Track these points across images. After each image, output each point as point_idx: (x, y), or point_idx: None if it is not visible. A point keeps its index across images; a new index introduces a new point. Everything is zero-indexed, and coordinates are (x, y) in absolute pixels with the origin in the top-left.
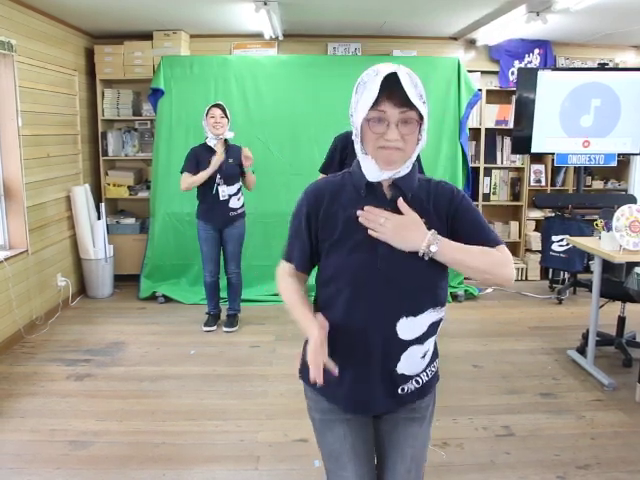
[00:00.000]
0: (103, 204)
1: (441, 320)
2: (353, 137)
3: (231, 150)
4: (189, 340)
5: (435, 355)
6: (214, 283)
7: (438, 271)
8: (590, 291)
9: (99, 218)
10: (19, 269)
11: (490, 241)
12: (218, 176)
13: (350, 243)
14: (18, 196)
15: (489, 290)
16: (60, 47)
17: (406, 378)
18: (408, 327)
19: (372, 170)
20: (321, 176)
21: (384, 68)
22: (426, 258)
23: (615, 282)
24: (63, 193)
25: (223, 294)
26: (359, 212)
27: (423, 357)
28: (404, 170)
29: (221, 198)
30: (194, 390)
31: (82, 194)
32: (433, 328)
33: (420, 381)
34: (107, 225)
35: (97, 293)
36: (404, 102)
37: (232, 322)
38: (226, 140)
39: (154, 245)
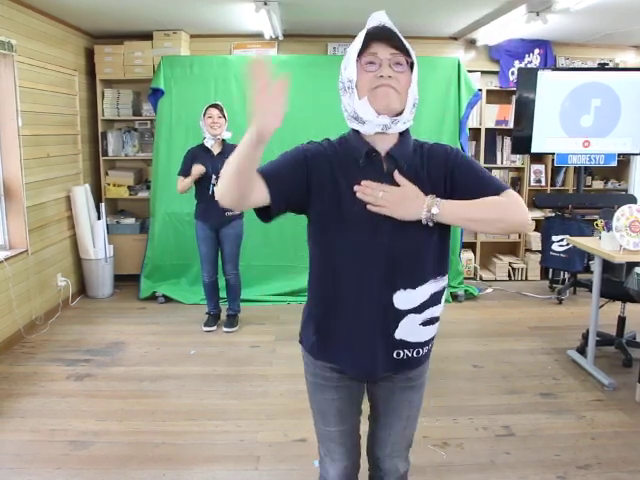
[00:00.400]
0: (103, 204)
1: (444, 289)
2: (345, 89)
3: (228, 150)
4: (189, 340)
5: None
6: (212, 284)
7: (439, 241)
8: (590, 291)
9: (99, 218)
10: (19, 269)
11: (494, 189)
12: (214, 177)
13: (347, 216)
14: (18, 196)
15: (489, 290)
16: (60, 47)
17: (405, 344)
18: (405, 298)
19: (369, 114)
20: None
21: (372, 19)
22: (430, 223)
23: (615, 282)
24: (63, 193)
25: (223, 294)
26: (356, 187)
27: (424, 325)
28: (401, 123)
29: (216, 198)
30: (194, 390)
31: (82, 194)
32: (435, 298)
33: (420, 352)
34: (107, 225)
35: (97, 293)
36: (394, 44)
37: (232, 322)
38: (224, 140)
39: (154, 245)
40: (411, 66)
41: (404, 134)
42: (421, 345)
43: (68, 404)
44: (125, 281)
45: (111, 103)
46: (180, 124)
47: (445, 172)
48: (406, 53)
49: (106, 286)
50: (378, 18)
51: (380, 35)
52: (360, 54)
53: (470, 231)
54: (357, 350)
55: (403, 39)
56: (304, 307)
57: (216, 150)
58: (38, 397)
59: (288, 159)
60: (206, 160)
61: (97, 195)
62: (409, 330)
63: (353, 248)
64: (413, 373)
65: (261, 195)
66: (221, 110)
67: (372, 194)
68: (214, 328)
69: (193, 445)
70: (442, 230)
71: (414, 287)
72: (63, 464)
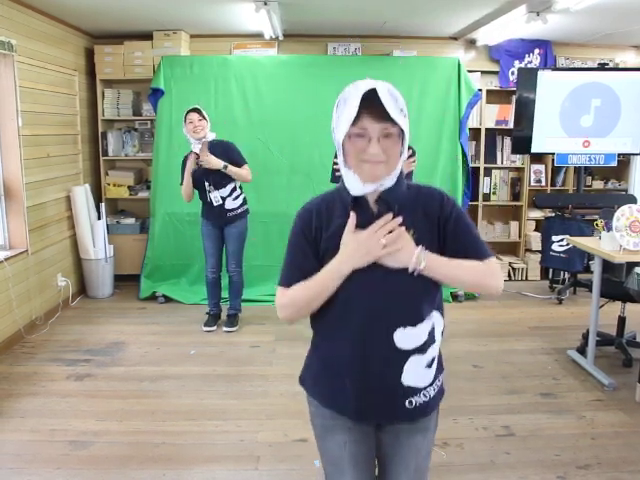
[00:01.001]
0: (103, 204)
1: (443, 327)
2: (336, 152)
3: (217, 149)
4: (189, 340)
5: (440, 368)
6: (215, 280)
7: (432, 280)
8: (590, 291)
9: (99, 218)
10: (19, 269)
11: (480, 254)
12: (206, 183)
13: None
14: (18, 196)
15: None
16: (60, 47)
17: (414, 391)
18: (406, 337)
19: (355, 184)
20: None
21: (363, 84)
22: (415, 274)
23: (615, 282)
24: (63, 193)
25: (225, 294)
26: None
27: (429, 367)
28: (388, 182)
29: (214, 204)
30: (194, 390)
31: (82, 194)
32: (432, 335)
33: (428, 395)
34: (107, 225)
35: (97, 293)
36: (385, 117)
37: (232, 322)
38: (210, 142)
39: (154, 245)
40: (402, 132)
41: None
42: (428, 387)
43: (68, 404)
44: (125, 281)
45: (111, 103)
46: (180, 124)
47: (440, 218)
48: (397, 124)
49: (106, 286)
50: (369, 86)
51: (371, 108)
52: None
53: (443, 284)
54: (365, 400)
55: (394, 110)
56: (309, 350)
57: (203, 154)
58: (38, 397)
59: (296, 252)
60: (199, 167)
61: (97, 195)
62: (415, 374)
63: (347, 296)
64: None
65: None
66: (200, 112)
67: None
68: (214, 328)
69: (193, 445)
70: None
71: (414, 324)
72: (63, 464)
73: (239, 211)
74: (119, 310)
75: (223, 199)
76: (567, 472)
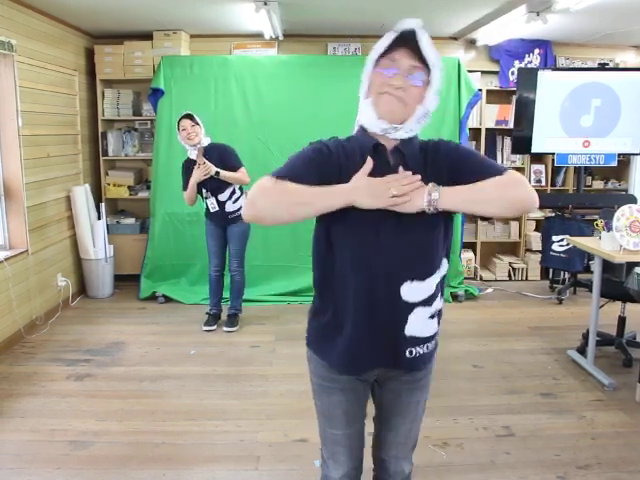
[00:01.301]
0: (103, 204)
1: (445, 275)
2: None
3: (213, 153)
4: (189, 340)
5: (440, 317)
6: (218, 278)
7: (443, 234)
8: (590, 291)
9: (99, 218)
10: (19, 269)
11: (495, 172)
12: (204, 190)
13: (353, 213)
14: (18, 196)
15: (489, 290)
16: (60, 47)
17: (415, 341)
18: (414, 290)
19: (370, 115)
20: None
21: (404, 22)
22: (433, 210)
23: (615, 282)
24: (63, 193)
25: (226, 293)
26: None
27: (432, 317)
28: (402, 131)
29: (211, 210)
30: (194, 390)
31: (82, 194)
32: (438, 288)
33: (429, 346)
34: (107, 225)
35: (97, 293)
36: (417, 56)
37: (232, 322)
38: (205, 147)
39: (154, 245)
40: (428, 83)
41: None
42: (429, 339)
43: (68, 404)
44: (125, 281)
45: (111, 103)
46: None
47: (447, 166)
48: (428, 69)
49: (106, 286)
50: (411, 24)
51: (408, 43)
52: (382, 54)
53: (477, 214)
54: (367, 349)
55: (431, 54)
56: (310, 308)
57: (200, 159)
58: (38, 397)
59: (306, 162)
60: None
61: (97, 195)
62: (418, 325)
63: (358, 247)
64: (420, 374)
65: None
66: (192, 119)
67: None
68: (214, 328)
69: (193, 445)
70: (446, 223)
71: (423, 279)
72: (63, 464)
73: (239, 213)
74: (119, 310)
75: (223, 203)
76: (567, 472)
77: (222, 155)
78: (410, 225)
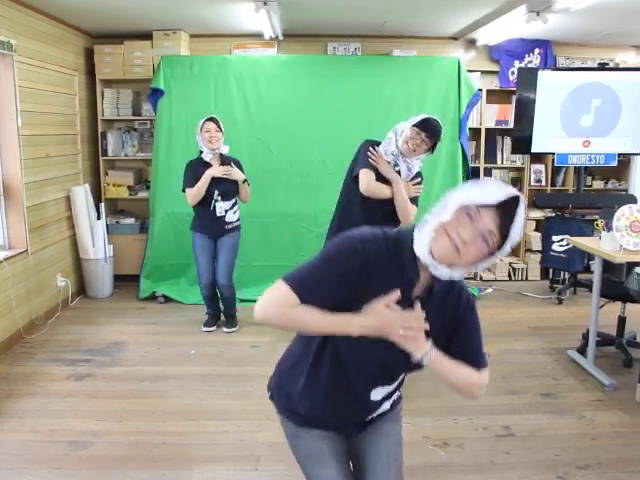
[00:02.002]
0: (103, 204)
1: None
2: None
3: (228, 163)
4: (189, 340)
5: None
6: (210, 294)
7: None
8: (590, 291)
9: (99, 218)
10: (19, 269)
11: (478, 363)
12: (216, 192)
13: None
14: (18, 196)
15: (489, 290)
16: (60, 47)
17: (381, 402)
18: (382, 392)
19: (422, 245)
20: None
21: (504, 192)
22: (417, 362)
23: (615, 282)
24: (63, 193)
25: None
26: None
27: (388, 398)
28: (445, 274)
29: (218, 214)
30: (194, 390)
31: (82, 194)
32: (402, 380)
33: (393, 403)
34: (107, 225)
35: (97, 293)
36: (501, 228)
37: (232, 322)
38: (222, 155)
39: (154, 245)
40: (499, 246)
41: None
42: (391, 394)
43: (68, 404)
44: (125, 281)
45: (111, 103)
46: (180, 124)
47: (454, 315)
48: (503, 241)
49: (106, 286)
50: (510, 192)
51: (501, 211)
52: (472, 205)
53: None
54: (332, 419)
55: (516, 231)
56: (280, 362)
57: (216, 164)
58: (38, 397)
59: (332, 273)
60: (213, 169)
61: (97, 195)
62: (382, 392)
63: (348, 348)
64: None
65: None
66: (217, 124)
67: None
68: (214, 328)
69: (193, 445)
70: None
71: (391, 383)
72: (63, 464)
73: (235, 224)
74: (119, 310)
75: (226, 211)
76: (567, 472)
77: (237, 167)
78: (400, 350)
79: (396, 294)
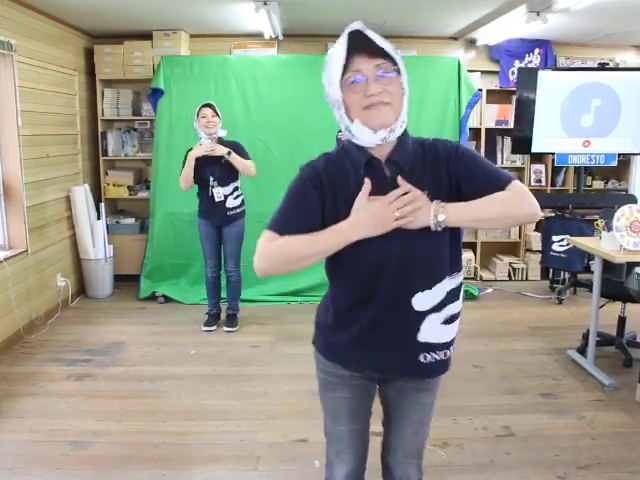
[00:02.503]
0: (103, 204)
1: (461, 285)
2: (333, 107)
3: (227, 147)
4: (189, 340)
5: (456, 320)
6: (215, 279)
7: (451, 240)
8: (590, 291)
9: (99, 218)
10: (19, 269)
11: (500, 183)
12: (211, 178)
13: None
14: (18, 196)
15: (489, 290)
16: (60, 47)
17: (429, 347)
18: (424, 299)
19: (366, 134)
20: None
21: (348, 28)
22: (439, 229)
23: (615, 282)
24: (63, 193)
25: (224, 294)
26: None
27: (446, 323)
28: (399, 129)
29: (217, 200)
30: (194, 390)
31: (82, 194)
32: (452, 294)
33: (447, 353)
34: (107, 225)
35: (97, 293)
36: (376, 53)
37: (232, 322)
38: (220, 139)
39: (154, 245)
40: (398, 70)
41: (402, 135)
42: (447, 346)
43: (68, 404)
44: (125, 281)
45: (111, 103)
46: (180, 124)
47: (448, 170)
48: (391, 59)
49: (106, 286)
50: (354, 26)
51: (360, 46)
52: (343, 72)
53: (480, 229)
54: (379, 353)
55: (385, 43)
56: (319, 307)
57: (213, 145)
58: (38, 397)
59: (300, 202)
60: (205, 161)
61: (97, 195)
62: (431, 331)
63: (365, 259)
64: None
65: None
66: (214, 109)
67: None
68: (214, 328)
69: (193, 445)
70: (452, 230)
71: (430, 287)
72: (63, 464)
73: (238, 210)
74: (119, 310)
75: (225, 197)
76: (567, 472)
77: (234, 149)
78: (415, 237)
79: (367, 184)
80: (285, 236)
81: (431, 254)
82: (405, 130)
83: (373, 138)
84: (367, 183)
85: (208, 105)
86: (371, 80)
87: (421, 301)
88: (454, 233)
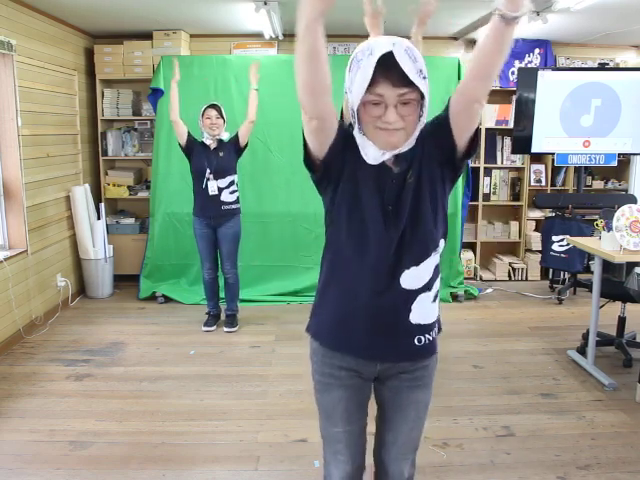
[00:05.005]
0: (103, 204)
1: (439, 257)
2: (349, 117)
3: (224, 145)
4: (189, 340)
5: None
6: (212, 281)
7: (443, 215)
8: (590, 291)
9: (99, 218)
10: (19, 269)
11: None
12: (208, 170)
13: (364, 208)
14: (18, 196)
15: (489, 290)
16: (60, 47)
17: (422, 328)
18: (412, 278)
19: (371, 152)
20: None
21: (379, 47)
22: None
23: (615, 282)
24: (63, 193)
25: (222, 294)
26: None
27: (433, 301)
28: (407, 147)
29: (211, 193)
30: (194, 390)
31: (82, 194)
32: (436, 269)
33: (433, 333)
34: (107, 225)
35: (97, 293)
36: (403, 82)
37: (232, 322)
38: (221, 141)
39: (154, 245)
40: (422, 96)
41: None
42: (432, 326)
43: (67, 404)
44: (125, 281)
45: (111, 103)
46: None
47: (441, 137)
48: (416, 87)
49: (106, 286)
50: (386, 48)
51: (387, 74)
52: (366, 88)
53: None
54: (373, 335)
55: (413, 69)
56: (317, 293)
57: (212, 145)
58: (37, 397)
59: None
60: (202, 153)
61: (97, 195)
62: (422, 311)
63: (366, 238)
64: (421, 372)
65: (331, 109)
66: (219, 110)
67: None
68: (214, 328)
69: (193, 445)
70: (444, 203)
71: (417, 264)
72: (63, 464)
73: (233, 207)
74: (118, 310)
75: (220, 190)
76: (567, 472)
77: (233, 138)
78: (418, 221)
79: None
80: None
81: (426, 237)
82: None
83: (378, 156)
84: None
85: (214, 106)
86: (390, 108)
87: (409, 280)
88: (444, 207)
